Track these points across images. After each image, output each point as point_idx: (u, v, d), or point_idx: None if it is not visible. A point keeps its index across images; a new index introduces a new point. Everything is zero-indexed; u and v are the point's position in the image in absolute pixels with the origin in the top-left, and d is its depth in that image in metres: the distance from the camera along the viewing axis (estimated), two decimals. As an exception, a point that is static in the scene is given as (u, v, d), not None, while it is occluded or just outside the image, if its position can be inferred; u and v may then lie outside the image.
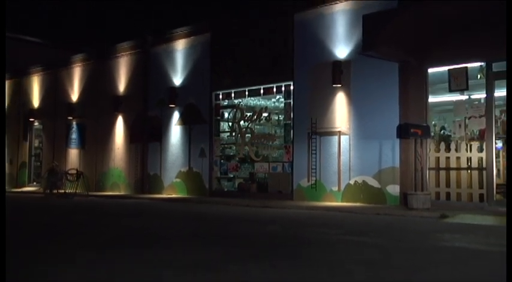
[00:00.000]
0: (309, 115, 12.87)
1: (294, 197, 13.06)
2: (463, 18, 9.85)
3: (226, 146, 15.51)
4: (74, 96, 19.90)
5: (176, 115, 16.27)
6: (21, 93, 22.38)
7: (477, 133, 10.85)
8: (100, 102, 18.57)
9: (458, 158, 10.76)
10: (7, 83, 23.33)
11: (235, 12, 15.82)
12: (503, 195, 10.62)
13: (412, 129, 10.23)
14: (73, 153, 19.85)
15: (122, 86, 18.05)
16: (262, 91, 14.35)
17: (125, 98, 17.85)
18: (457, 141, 11.01)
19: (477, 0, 9.26)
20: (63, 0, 28.68)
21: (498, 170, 10.63)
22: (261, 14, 14.43)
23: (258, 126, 14.86)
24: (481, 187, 10.37)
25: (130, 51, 17.94)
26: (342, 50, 12.46)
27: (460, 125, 11.14)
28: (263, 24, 14.22)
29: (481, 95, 10.71)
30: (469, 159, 10.66)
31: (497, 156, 10.67)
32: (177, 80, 16.30)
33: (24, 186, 21.91)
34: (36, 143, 22.39)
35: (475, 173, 10.51)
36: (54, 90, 20.72)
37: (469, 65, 10.54)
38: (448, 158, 10.88)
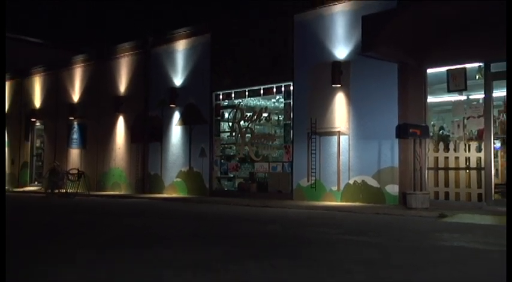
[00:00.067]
0: (308, 115, 12.86)
1: (294, 197, 13.05)
2: (461, 19, 9.84)
3: (226, 146, 15.50)
4: (75, 96, 19.89)
5: (177, 115, 16.26)
6: (23, 93, 22.38)
7: (475, 133, 10.85)
8: (101, 102, 18.57)
9: (456, 158, 10.76)
10: (9, 84, 23.33)
11: (235, 12, 15.83)
12: (501, 194, 10.62)
13: (411, 129, 10.23)
14: (74, 153, 19.84)
15: (122, 87, 18.04)
16: (262, 91, 14.35)
17: (125, 98, 17.84)
18: (455, 141, 11.01)
19: (476, 1, 9.24)
20: (63, 0, 28.66)
21: (496, 170, 10.63)
22: (260, 15, 14.43)
23: (258, 126, 14.86)
24: (479, 187, 10.37)
25: (131, 52, 17.93)
26: (341, 51, 12.45)
27: (458, 125, 11.14)
28: (263, 25, 14.21)
29: (479, 96, 10.72)
30: (467, 159, 10.67)
31: (496, 156, 10.66)
32: (178, 80, 16.30)
33: (26, 186, 21.91)
34: (37, 143, 22.39)
35: (474, 173, 10.51)
36: (56, 90, 20.71)
37: (467, 65, 10.55)
38: (446, 158, 10.87)
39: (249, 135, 14.77)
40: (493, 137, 10.28)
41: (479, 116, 10.53)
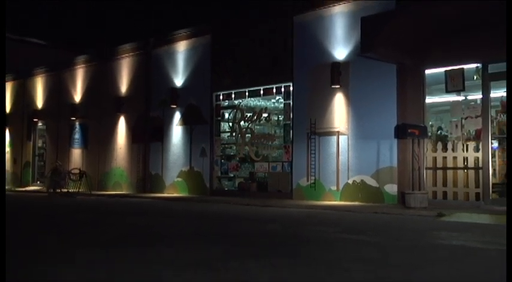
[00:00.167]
0: (308, 115, 12.87)
1: (294, 196, 13.07)
2: (459, 20, 9.85)
3: (226, 145, 15.52)
4: (77, 97, 19.91)
5: (177, 115, 16.27)
6: (25, 94, 22.39)
7: (473, 133, 10.86)
8: (102, 103, 18.58)
9: (455, 158, 10.76)
10: (11, 84, 23.35)
11: (235, 12, 15.83)
12: (499, 194, 10.64)
13: (409, 129, 10.24)
14: (76, 153, 19.85)
15: (124, 87, 18.05)
16: (262, 92, 14.36)
17: (127, 99, 17.86)
18: (453, 141, 11.02)
19: (475, 1, 9.23)
20: (63, 0, 28.65)
21: (494, 170, 10.64)
22: (260, 16, 14.45)
23: (258, 127, 14.87)
24: (477, 186, 10.38)
25: (132, 53, 17.94)
26: (340, 52, 12.46)
27: (456, 125, 11.15)
28: (263, 26, 14.23)
29: (477, 96, 10.73)
30: (465, 159, 10.67)
31: (493, 156, 10.68)
32: (178, 81, 16.31)
33: (28, 185, 21.93)
34: (39, 143, 22.40)
35: (472, 173, 10.52)
36: (58, 91, 20.73)
37: (465, 66, 10.56)
38: (445, 158, 10.88)
39: (249, 135, 14.78)
40: (490, 137, 10.30)
41: (477, 116, 10.54)
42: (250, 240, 6.23)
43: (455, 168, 10.73)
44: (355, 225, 7.93)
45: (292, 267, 4.32)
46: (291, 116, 13.51)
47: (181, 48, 16.35)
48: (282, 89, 13.83)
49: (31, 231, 7.26)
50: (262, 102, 14.75)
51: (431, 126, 11.83)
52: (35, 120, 21.79)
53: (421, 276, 4.08)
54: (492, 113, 10.61)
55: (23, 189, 21.28)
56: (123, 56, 18.20)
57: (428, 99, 11.29)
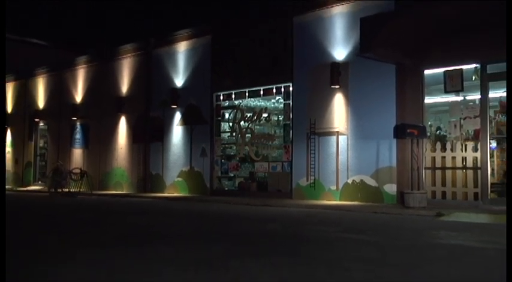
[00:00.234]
0: (307, 116, 12.88)
1: (293, 196, 13.08)
2: (458, 21, 9.85)
3: (226, 145, 15.53)
4: (78, 97, 19.92)
5: (178, 116, 16.29)
6: (27, 94, 22.40)
7: (472, 133, 10.87)
8: (103, 103, 18.59)
9: (453, 158, 10.77)
10: (13, 85, 23.37)
11: (235, 13, 15.84)
12: (497, 194, 10.65)
13: (408, 129, 10.25)
14: (77, 153, 19.87)
15: (124, 88, 18.06)
16: (262, 92, 14.37)
17: (127, 99, 17.87)
18: (452, 141, 11.03)
19: (474, 1, 9.22)
20: (63, 0, 28.64)
21: (492, 170, 10.65)
22: (260, 16, 14.45)
23: (258, 127, 14.88)
24: (475, 186, 10.39)
25: (133, 53, 17.95)
26: (340, 52, 12.47)
27: (455, 126, 11.16)
28: (263, 27, 14.24)
29: (475, 96, 10.74)
30: (464, 159, 10.68)
31: (492, 155, 10.69)
32: (179, 81, 16.32)
33: (30, 185, 21.94)
34: (41, 143, 22.42)
35: (470, 172, 10.53)
36: (59, 91, 20.74)
37: (464, 66, 10.57)
38: (443, 158, 10.89)
39: (249, 135, 14.79)
40: (489, 137, 10.31)
41: (475, 117, 10.55)
42: (250, 239, 6.25)
43: (454, 168, 10.74)
44: (355, 225, 7.94)
45: (292, 267, 4.34)
46: (291, 116, 13.52)
47: (182, 48, 16.36)
48: (282, 89, 13.84)
49: (32, 231, 7.27)
50: (262, 103, 14.76)
51: (430, 126, 11.84)
52: (36, 120, 21.80)
53: (420, 276, 4.10)
54: (490, 113, 10.62)
55: (25, 189, 21.29)
56: (124, 56, 18.21)
57: (427, 100, 11.30)
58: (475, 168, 10.44)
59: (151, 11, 26.89)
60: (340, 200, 12.13)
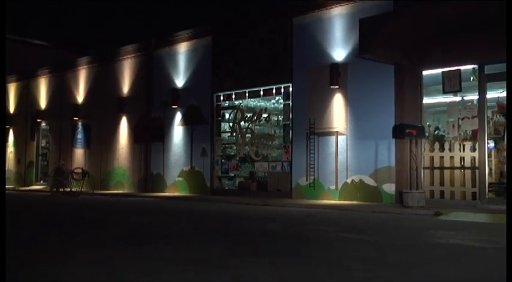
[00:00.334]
0: (307, 116, 12.88)
1: (293, 196, 13.07)
2: (456, 22, 9.85)
3: (227, 145, 15.52)
4: (80, 97, 19.91)
5: (178, 116, 16.28)
6: (29, 95, 22.40)
7: (470, 133, 10.87)
8: (105, 103, 18.58)
9: (451, 158, 10.77)
10: (15, 85, 23.37)
11: (235, 13, 15.83)
12: (495, 193, 10.65)
13: (407, 129, 10.25)
14: (79, 153, 19.86)
15: (125, 88, 18.06)
16: (262, 92, 14.37)
17: (128, 100, 17.86)
18: (450, 141, 11.03)
19: (473, 1, 9.20)
20: (64, 1, 28.61)
21: (490, 169, 10.65)
22: (260, 17, 14.44)
23: (258, 127, 14.87)
24: (473, 185, 10.39)
25: (134, 54, 17.94)
26: (339, 53, 12.47)
27: (453, 126, 11.16)
28: (263, 28, 14.23)
29: (473, 97, 10.74)
30: (462, 159, 10.68)
31: (490, 155, 10.68)
32: (180, 82, 16.31)
33: (32, 184, 21.93)
34: (43, 143, 22.42)
35: (468, 172, 10.53)
36: (61, 92, 20.74)
37: (462, 67, 10.57)
38: (442, 158, 10.89)
39: (249, 135, 14.78)
40: (486, 137, 10.31)
41: (473, 117, 10.55)
42: (250, 239, 6.24)
43: (452, 167, 10.74)
44: (354, 224, 7.93)
45: (292, 266, 4.33)
46: (291, 116, 13.52)
47: (183, 49, 16.35)
48: (282, 90, 13.84)
49: (33, 231, 7.25)
50: (262, 103, 14.75)
51: (429, 126, 11.83)
52: (38, 120, 21.80)
53: (419, 275, 4.09)
54: (488, 113, 10.63)
55: (27, 188, 21.29)
56: (125, 57, 18.21)
57: (426, 100, 11.30)
58: (473, 168, 10.44)
59: (151, 11, 26.87)
60: (339, 200, 12.12)
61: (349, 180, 12.08)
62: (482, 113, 10.24)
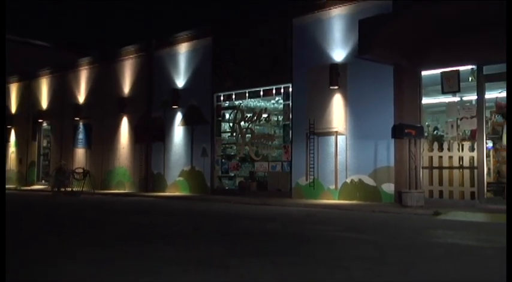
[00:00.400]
0: (307, 116, 12.87)
1: (293, 195, 13.07)
2: (455, 22, 9.85)
3: (227, 145, 15.52)
4: (81, 98, 19.91)
5: (179, 116, 16.27)
6: (30, 95, 22.40)
7: (469, 133, 10.87)
8: (106, 103, 18.58)
9: (450, 157, 10.77)
10: (16, 86, 23.37)
11: (235, 14, 15.83)
12: (493, 193, 10.65)
13: (406, 129, 10.24)
14: (80, 153, 19.86)
15: (126, 88, 18.05)
16: (262, 93, 14.36)
17: (129, 100, 17.86)
18: (449, 141, 11.03)
19: (472, 1, 9.19)
20: (65, 1, 28.59)
21: (489, 169, 10.65)
22: (260, 18, 14.44)
23: (258, 127, 14.87)
24: (472, 185, 10.39)
25: (135, 55, 17.94)
26: (338, 53, 12.46)
27: (452, 126, 11.16)
28: (263, 29, 14.23)
29: (472, 97, 10.74)
30: (461, 159, 10.68)
31: (488, 155, 10.68)
32: (180, 82, 16.31)
33: (33, 184, 21.94)
34: (44, 143, 22.42)
35: (467, 172, 10.53)
36: (62, 92, 20.73)
37: (460, 68, 10.56)
38: (440, 157, 10.89)
39: (249, 135, 14.78)
40: (485, 137, 10.30)
41: (472, 117, 10.55)
42: (250, 238, 6.23)
43: (451, 167, 10.73)
44: (354, 224, 7.93)
45: (293, 266, 4.32)
46: (290, 117, 13.51)
47: (183, 50, 16.35)
48: (282, 90, 13.84)
49: (34, 230, 7.24)
50: (262, 103, 14.75)
51: (428, 126, 11.83)
52: (39, 120, 21.79)
53: (418, 274, 4.08)
54: (487, 113, 10.63)
55: (28, 188, 21.29)
56: (126, 57, 18.20)
57: (425, 100, 11.30)
58: (471, 167, 10.43)
59: (151, 11, 26.85)
60: (339, 199, 12.12)
61: (348, 180, 12.08)
62: (481, 113, 10.24)
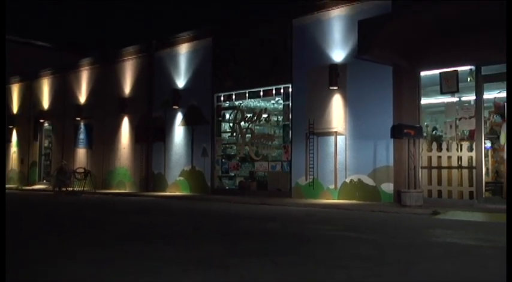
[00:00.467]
0: (306, 116, 12.87)
1: (293, 195, 13.06)
2: (453, 23, 9.85)
3: (227, 145, 15.51)
4: (82, 98, 19.91)
5: (179, 116, 16.27)
6: (32, 95, 22.40)
7: (467, 133, 10.87)
8: (107, 104, 18.58)
9: (449, 157, 10.77)
10: (18, 86, 23.37)
11: (235, 14, 15.83)
12: (491, 192, 10.66)
13: (405, 129, 10.25)
14: (81, 153, 19.85)
15: (127, 89, 18.05)
16: (262, 93, 14.36)
17: (130, 100, 17.86)
18: (448, 141, 11.03)
19: (471, 1, 9.18)
20: (66, 2, 28.58)
21: (487, 169, 10.66)
22: (260, 19, 14.44)
23: (258, 127, 14.87)
24: (470, 185, 10.38)
25: (136, 55, 17.94)
26: (338, 54, 12.46)
27: (451, 126, 11.16)
28: (263, 30, 14.22)
29: (470, 97, 10.75)
30: (459, 158, 10.68)
31: (486, 155, 10.69)
32: (181, 82, 16.30)
33: (35, 184, 21.94)
34: (46, 143, 22.42)
35: (465, 172, 10.52)
36: (63, 92, 20.73)
37: (459, 68, 10.56)
38: (439, 157, 10.88)
39: (249, 135, 14.77)
40: (483, 137, 10.31)
41: (470, 117, 10.55)
42: (250, 238, 6.22)
43: (449, 167, 10.73)
44: (353, 223, 7.92)
45: (293, 266, 4.31)
46: (290, 117, 13.51)
47: (183, 50, 16.34)
48: (282, 90, 13.83)
49: (35, 230, 7.24)
50: (262, 103, 14.75)
51: (427, 126, 11.84)
52: (41, 121, 21.80)
53: (417, 273, 4.08)
54: (485, 113, 10.63)
55: (30, 187, 21.29)
56: (127, 58, 18.20)
57: (424, 101, 11.30)
58: (470, 167, 10.43)
59: (151, 11, 26.84)
60: (338, 199, 12.11)
61: (348, 180, 12.08)
62: (479, 114, 10.24)
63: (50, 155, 21.79)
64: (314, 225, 7.67)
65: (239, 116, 14.98)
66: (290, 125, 13.50)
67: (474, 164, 10.29)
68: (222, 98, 15.38)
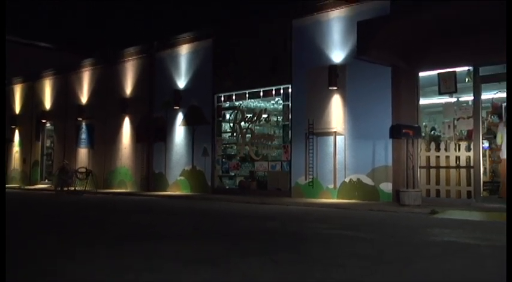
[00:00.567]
0: (306, 116, 12.89)
1: (292, 194, 13.08)
2: (452, 24, 9.86)
3: (227, 145, 15.53)
4: (84, 98, 19.92)
5: (180, 116, 16.28)
6: (34, 96, 22.41)
7: (465, 133, 10.89)
8: (108, 104, 18.59)
9: (447, 157, 10.78)
10: (20, 87, 23.38)
11: (235, 14, 15.84)
12: (489, 192, 10.68)
13: (403, 129, 10.26)
14: (82, 153, 19.86)
15: (128, 89, 18.06)
16: (262, 93, 14.37)
17: (131, 101, 17.87)
18: (446, 141, 11.04)
19: (470, 1, 9.19)
20: (66, 2, 28.57)
21: (485, 168, 10.68)
22: (260, 20, 14.45)
23: (258, 127, 14.88)
24: (468, 184, 10.40)
25: (137, 56, 17.95)
26: (337, 55, 12.48)
27: (449, 126, 11.18)
28: (263, 30, 14.23)
29: (468, 98, 10.77)
30: (457, 158, 10.69)
31: (484, 155, 10.70)
32: (181, 83, 16.32)
33: (37, 183, 21.95)
34: (47, 143, 22.42)
35: (463, 171, 10.53)
36: (65, 93, 20.74)
37: (457, 69, 10.58)
38: (437, 157, 10.90)
39: (249, 135, 14.79)
40: (481, 137, 10.33)
41: (468, 117, 10.56)
42: (250, 237, 6.24)
43: (447, 167, 10.75)
44: (352, 223, 7.94)
45: (293, 264, 4.33)
46: (290, 117, 13.52)
47: (184, 51, 16.36)
48: (281, 91, 13.84)
49: (36, 229, 7.25)
50: (262, 104, 14.76)
51: (425, 126, 11.86)
52: (43, 121, 21.81)
53: (415, 272, 4.09)
54: (483, 114, 10.65)
55: (32, 187, 21.30)
56: (128, 59, 18.21)
57: (422, 101, 11.31)
58: (468, 167, 10.45)
59: (152, 11, 26.82)
60: (337, 198, 12.13)
61: (347, 180, 12.09)
62: (477, 114, 10.26)
63: (52, 154, 21.80)
64: (313, 224, 7.69)
65: (239, 116, 14.99)
66: (290, 125, 13.52)
67: (472, 164, 10.31)
68: (222, 99, 15.40)
